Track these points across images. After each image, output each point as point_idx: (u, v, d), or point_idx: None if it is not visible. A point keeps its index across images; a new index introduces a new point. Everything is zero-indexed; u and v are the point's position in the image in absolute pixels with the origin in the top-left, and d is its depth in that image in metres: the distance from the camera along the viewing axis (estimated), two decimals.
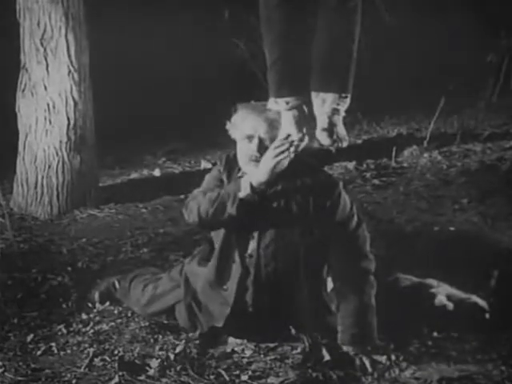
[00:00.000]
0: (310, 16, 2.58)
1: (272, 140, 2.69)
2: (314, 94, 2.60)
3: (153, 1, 6.55)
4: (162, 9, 6.53)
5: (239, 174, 2.81)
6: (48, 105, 4.51)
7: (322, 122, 2.59)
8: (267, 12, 2.56)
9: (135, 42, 6.40)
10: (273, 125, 2.69)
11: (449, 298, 2.96)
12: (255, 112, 2.74)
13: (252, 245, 2.79)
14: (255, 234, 2.78)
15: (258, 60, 2.65)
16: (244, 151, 2.75)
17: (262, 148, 2.70)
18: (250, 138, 2.72)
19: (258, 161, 2.70)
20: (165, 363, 2.66)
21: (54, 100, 4.50)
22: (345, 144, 2.61)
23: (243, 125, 2.74)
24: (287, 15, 2.53)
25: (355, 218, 2.81)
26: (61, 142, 4.54)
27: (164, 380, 2.57)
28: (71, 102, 4.52)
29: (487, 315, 2.92)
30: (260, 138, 2.71)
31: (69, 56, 4.48)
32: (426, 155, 5.51)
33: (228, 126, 2.81)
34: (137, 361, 2.70)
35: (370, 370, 2.58)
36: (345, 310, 2.75)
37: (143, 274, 3.25)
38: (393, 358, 2.64)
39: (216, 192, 2.74)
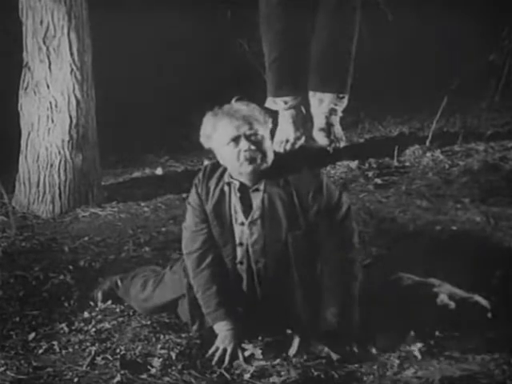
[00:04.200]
0: (309, 16, 2.57)
1: (255, 135, 2.66)
2: (311, 94, 2.60)
3: (155, 0, 6.55)
4: (165, 8, 6.53)
5: (226, 180, 2.79)
6: (50, 103, 4.51)
7: (319, 121, 2.58)
8: (267, 11, 2.57)
9: (137, 41, 6.40)
10: (251, 120, 2.66)
11: (451, 297, 2.95)
12: (228, 114, 2.69)
13: (240, 251, 2.80)
14: (242, 241, 2.80)
15: (261, 59, 2.64)
16: (234, 155, 2.69)
17: (253, 144, 2.65)
18: (235, 139, 2.67)
19: (253, 158, 2.66)
20: (167, 362, 2.66)
21: (57, 99, 4.50)
22: (342, 144, 2.61)
23: (222, 130, 2.69)
24: (286, 15, 2.53)
25: (343, 209, 2.75)
26: (63, 140, 4.55)
27: (166, 379, 2.57)
28: (73, 101, 4.53)
29: (489, 314, 2.91)
30: (246, 136, 2.66)
31: (71, 55, 4.48)
32: (428, 154, 5.51)
33: (201, 137, 2.78)
34: (139, 359, 2.70)
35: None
36: (327, 298, 2.72)
37: (144, 272, 3.24)
38: (395, 358, 2.64)
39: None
